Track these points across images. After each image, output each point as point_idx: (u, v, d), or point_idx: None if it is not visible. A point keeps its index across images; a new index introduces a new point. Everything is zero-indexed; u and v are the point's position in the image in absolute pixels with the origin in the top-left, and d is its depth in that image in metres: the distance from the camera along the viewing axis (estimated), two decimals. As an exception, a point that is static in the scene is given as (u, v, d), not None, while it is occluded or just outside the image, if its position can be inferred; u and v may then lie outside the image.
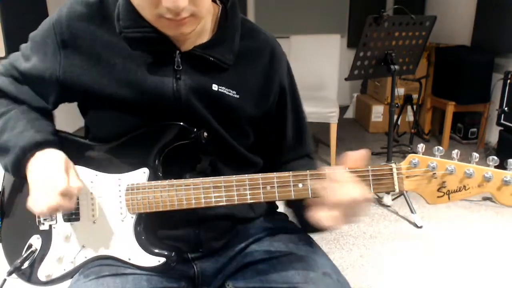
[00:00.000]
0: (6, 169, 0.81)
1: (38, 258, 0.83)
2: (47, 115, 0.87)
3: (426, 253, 2.08)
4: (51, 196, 0.70)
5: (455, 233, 2.25)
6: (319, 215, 0.70)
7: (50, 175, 0.72)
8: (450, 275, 1.90)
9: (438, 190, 0.71)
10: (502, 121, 2.95)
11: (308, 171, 0.73)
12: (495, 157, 0.70)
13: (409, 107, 3.74)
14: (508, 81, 2.87)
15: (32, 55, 0.82)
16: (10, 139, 0.79)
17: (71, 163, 0.78)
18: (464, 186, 0.70)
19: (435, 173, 0.71)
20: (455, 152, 0.71)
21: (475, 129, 3.61)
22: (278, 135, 0.93)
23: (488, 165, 0.70)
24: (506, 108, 2.89)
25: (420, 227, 2.31)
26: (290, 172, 0.74)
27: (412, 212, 2.42)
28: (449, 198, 0.71)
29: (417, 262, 2.00)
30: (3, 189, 0.89)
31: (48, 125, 0.83)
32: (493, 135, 3.41)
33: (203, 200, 0.75)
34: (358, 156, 0.72)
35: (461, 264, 1.98)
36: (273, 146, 0.94)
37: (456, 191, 0.71)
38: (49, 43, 0.80)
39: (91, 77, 0.78)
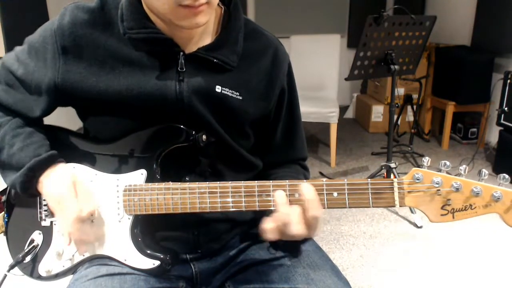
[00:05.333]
0: (13, 187, 0.81)
1: (39, 253, 0.85)
2: (40, 122, 0.87)
3: (426, 253, 2.08)
4: (68, 225, 0.76)
5: (455, 233, 2.25)
6: (267, 226, 0.71)
7: (61, 204, 0.76)
8: (450, 275, 1.90)
9: (442, 207, 0.67)
10: (502, 121, 2.95)
11: (304, 180, 0.71)
12: (507, 176, 0.65)
13: (409, 107, 3.75)
14: (508, 81, 2.87)
15: (30, 60, 0.81)
16: (12, 156, 0.80)
17: (80, 182, 0.79)
18: (471, 205, 0.66)
19: (439, 190, 0.67)
20: (463, 168, 0.66)
21: (475, 129, 3.61)
22: (268, 134, 0.92)
23: (499, 184, 0.65)
24: (506, 108, 2.89)
25: (420, 227, 2.31)
26: (287, 180, 0.72)
27: (412, 212, 2.43)
28: (453, 217, 0.67)
29: (417, 262, 2.00)
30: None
31: (44, 138, 0.84)
32: (493, 135, 3.41)
33: (198, 206, 0.75)
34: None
35: (461, 264, 1.98)
36: (261, 145, 0.93)
37: (462, 210, 0.66)
38: (48, 49, 0.79)
39: (92, 84, 0.77)
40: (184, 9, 0.69)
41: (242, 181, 0.74)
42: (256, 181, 0.73)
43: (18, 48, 0.85)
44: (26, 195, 0.81)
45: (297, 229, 0.69)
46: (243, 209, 0.74)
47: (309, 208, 0.69)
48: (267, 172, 0.94)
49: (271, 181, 0.73)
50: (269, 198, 0.72)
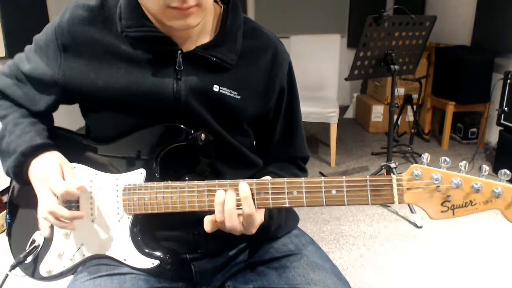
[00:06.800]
0: (7, 174, 0.82)
1: (40, 254, 0.85)
2: (46, 118, 0.88)
3: (426, 253, 2.08)
4: (51, 203, 0.74)
5: (455, 233, 2.25)
6: (205, 219, 0.73)
7: (48, 182, 0.75)
8: (450, 275, 1.89)
9: (442, 204, 0.66)
10: (502, 121, 2.95)
11: (303, 178, 0.71)
12: (508, 171, 0.64)
13: (409, 107, 3.74)
14: (508, 81, 2.86)
15: (35, 57, 0.84)
16: (10, 143, 0.81)
17: (67, 165, 0.80)
18: (471, 202, 0.65)
19: (439, 186, 0.66)
20: (463, 164, 0.65)
21: (475, 129, 3.61)
22: (267, 132, 0.92)
23: (500, 179, 0.64)
24: (506, 108, 2.88)
25: (420, 227, 2.31)
26: (285, 178, 0.72)
27: (412, 212, 2.42)
28: (453, 213, 0.66)
29: (417, 262, 2.00)
30: (13, 187, 0.91)
31: (45, 129, 0.85)
32: (493, 135, 3.41)
33: (196, 204, 0.75)
34: None
35: (461, 264, 1.98)
36: (259, 143, 0.93)
37: (462, 207, 0.65)
38: (50, 47, 0.81)
39: (91, 80, 0.78)
40: (173, 10, 0.70)
41: (241, 180, 0.74)
42: (254, 180, 0.73)
43: (27, 47, 0.88)
44: (21, 182, 0.82)
45: (229, 226, 0.71)
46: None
47: (242, 206, 0.71)
48: (263, 169, 0.94)
49: (269, 179, 0.73)
50: (267, 196, 0.72)
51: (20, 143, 0.79)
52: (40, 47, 0.83)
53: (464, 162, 0.66)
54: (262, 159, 0.94)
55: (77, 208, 0.81)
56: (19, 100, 0.86)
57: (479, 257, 2.03)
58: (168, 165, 0.80)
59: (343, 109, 4.57)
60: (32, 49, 0.86)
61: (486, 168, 0.65)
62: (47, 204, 0.75)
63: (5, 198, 2.43)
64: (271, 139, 0.93)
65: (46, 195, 0.75)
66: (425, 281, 1.86)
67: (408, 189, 0.67)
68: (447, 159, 0.66)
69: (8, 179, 0.87)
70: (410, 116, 3.92)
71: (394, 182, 0.68)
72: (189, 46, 0.80)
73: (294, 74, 0.93)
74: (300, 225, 0.97)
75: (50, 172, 0.76)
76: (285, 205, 0.72)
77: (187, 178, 0.82)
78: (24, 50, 0.88)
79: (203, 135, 0.79)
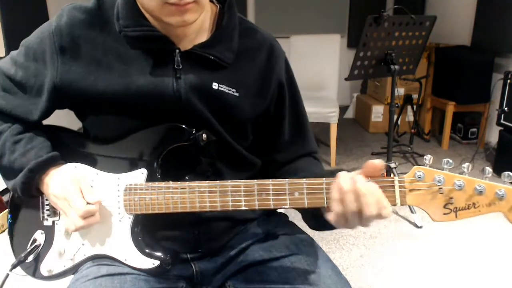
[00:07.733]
0: (14, 190, 0.82)
1: (41, 253, 0.85)
2: (40, 125, 0.87)
3: (426, 253, 2.08)
4: (76, 220, 0.75)
5: (455, 233, 2.25)
6: (331, 218, 0.68)
7: (68, 200, 0.76)
8: (450, 275, 1.90)
9: (445, 206, 0.65)
10: (502, 121, 2.95)
11: (304, 179, 0.71)
12: (511, 173, 0.63)
13: (409, 107, 3.74)
14: (508, 81, 2.86)
15: (29, 63, 0.82)
16: (14, 161, 0.80)
17: (80, 178, 0.79)
18: (474, 204, 0.64)
19: (441, 188, 0.65)
20: (466, 166, 0.65)
21: (475, 129, 3.61)
22: (275, 131, 0.92)
23: (503, 182, 0.64)
24: (506, 108, 2.88)
25: (420, 227, 2.31)
26: (286, 179, 0.72)
27: (412, 212, 2.42)
28: (456, 215, 0.65)
29: (417, 262, 2.00)
30: None
31: (45, 139, 0.84)
32: (493, 135, 3.41)
33: (197, 205, 0.75)
34: (378, 166, 0.66)
35: (461, 264, 1.98)
36: (270, 143, 0.93)
37: (465, 209, 0.65)
38: (47, 50, 0.80)
39: (90, 82, 0.78)
40: (171, 6, 0.70)
41: (242, 180, 0.74)
42: (255, 180, 0.73)
43: (14, 53, 0.85)
44: (27, 197, 0.82)
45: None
46: (243, 208, 0.74)
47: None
48: (283, 170, 0.93)
49: (270, 180, 0.73)
50: (268, 197, 0.72)
51: (26, 161, 0.79)
52: (34, 52, 0.81)
53: (467, 164, 0.65)
54: (274, 158, 0.94)
55: None
56: (11, 113, 0.83)
57: (479, 257, 2.03)
58: (170, 165, 0.80)
59: (343, 109, 4.57)
60: (22, 55, 0.83)
61: (489, 170, 0.64)
62: (75, 221, 0.75)
63: (5, 198, 2.43)
64: (280, 137, 0.92)
65: (69, 213, 0.76)
66: (425, 281, 1.86)
67: (410, 191, 0.67)
68: (450, 160, 0.66)
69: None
70: (410, 116, 3.91)
71: (396, 184, 0.67)
72: (186, 45, 0.80)
73: (291, 71, 0.93)
74: (300, 225, 0.97)
75: (69, 191, 0.76)
76: (285, 206, 0.72)
77: (187, 178, 0.82)
78: (9, 56, 0.85)
79: (204, 135, 0.80)
